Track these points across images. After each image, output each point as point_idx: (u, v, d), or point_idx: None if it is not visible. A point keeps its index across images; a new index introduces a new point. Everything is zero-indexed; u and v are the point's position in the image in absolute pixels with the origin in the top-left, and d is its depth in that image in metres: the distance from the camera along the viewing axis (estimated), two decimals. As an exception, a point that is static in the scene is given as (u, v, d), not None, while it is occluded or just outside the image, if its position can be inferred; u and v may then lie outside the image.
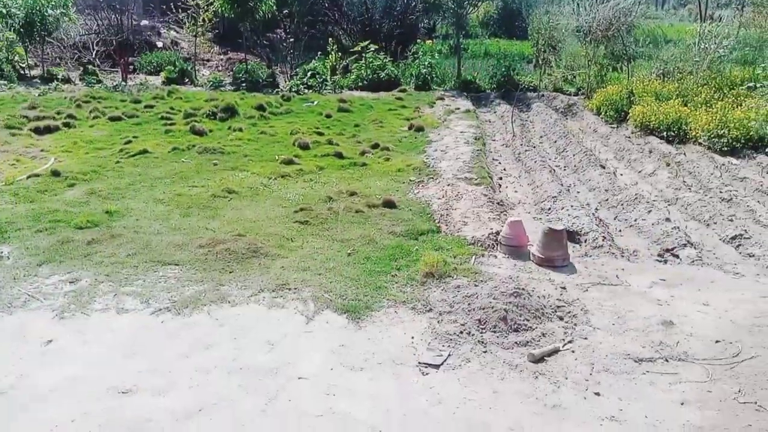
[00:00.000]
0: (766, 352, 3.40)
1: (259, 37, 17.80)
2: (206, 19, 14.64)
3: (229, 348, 3.51)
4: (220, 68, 17.28)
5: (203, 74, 15.89)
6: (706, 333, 3.64)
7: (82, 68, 14.78)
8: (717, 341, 3.55)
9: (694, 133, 8.75)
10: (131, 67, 15.35)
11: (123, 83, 13.42)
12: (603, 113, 10.81)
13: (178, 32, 19.19)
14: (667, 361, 3.37)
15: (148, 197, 6.12)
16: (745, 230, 5.41)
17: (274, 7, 14.77)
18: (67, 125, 9.34)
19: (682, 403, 3.01)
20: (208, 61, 18.10)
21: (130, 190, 6.37)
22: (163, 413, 2.94)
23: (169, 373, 3.25)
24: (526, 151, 8.52)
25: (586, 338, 3.61)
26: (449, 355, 3.47)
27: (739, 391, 3.08)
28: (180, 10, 15.01)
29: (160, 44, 18.16)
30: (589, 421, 2.90)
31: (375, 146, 8.50)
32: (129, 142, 8.31)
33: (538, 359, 3.39)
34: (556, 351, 3.48)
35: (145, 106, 10.98)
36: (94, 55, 15.36)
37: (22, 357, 3.38)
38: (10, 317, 3.78)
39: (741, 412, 2.92)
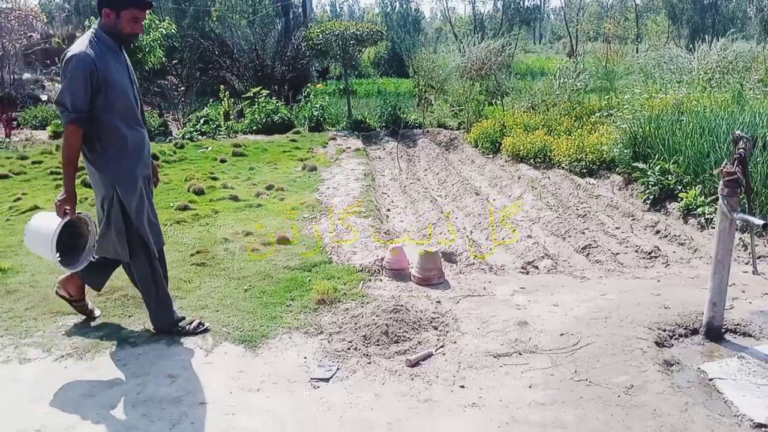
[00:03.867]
0: (598, 339, 4.09)
1: (150, 86, 17.81)
2: (93, 71, 14.57)
3: (132, 384, 3.77)
4: (110, 119, 17.09)
5: (93, 126, 15.68)
6: (553, 328, 4.30)
7: (-41, 126, 14.22)
8: (561, 334, 4.21)
9: (557, 159, 9.82)
10: (15, 122, 14.93)
11: (6, 140, 13.06)
12: (480, 145, 11.82)
13: (63, 84, 18.79)
14: (520, 354, 3.98)
15: (42, 252, 6.18)
16: (595, 240, 6.27)
17: (164, 58, 14.94)
18: (-53, 186, 9.08)
19: (530, 387, 3.60)
20: (97, 112, 17.83)
21: (23, 246, 6.36)
22: (72, 447, 3.17)
23: (75, 412, 3.46)
24: (411, 183, 9.23)
25: (455, 342, 4.17)
26: (338, 369, 3.90)
27: (575, 372, 3.72)
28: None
29: (44, 97, 17.74)
30: (454, 409, 3.42)
31: (270, 187, 8.91)
32: (18, 199, 8.23)
33: (414, 364, 3.90)
34: (429, 355, 4.01)
35: (33, 162, 10.79)
36: (-28, 112, 14.82)
37: None
38: None
39: (575, 388, 3.55)
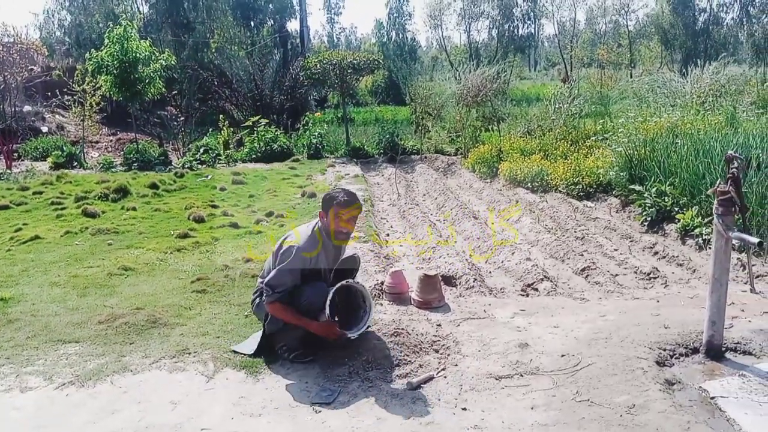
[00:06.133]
0: (599, 359, 4.09)
1: (149, 116, 18.00)
2: (93, 103, 14.73)
3: (134, 411, 3.76)
4: (109, 149, 17.24)
5: (92, 156, 15.81)
6: (554, 350, 4.31)
7: (-40, 159, 14.32)
8: (562, 355, 4.21)
9: (554, 183, 9.90)
10: (15, 154, 15.04)
11: (8, 171, 13.15)
12: (477, 170, 11.93)
13: (63, 116, 19.01)
14: (522, 376, 3.98)
15: (44, 281, 6.20)
16: (593, 262, 6.29)
17: (163, 89, 15.11)
18: (-52, 218, 9.12)
19: (532, 408, 3.59)
20: (96, 143, 18.00)
21: (24, 276, 6.42)
22: (73, 475, 3.15)
23: (76, 440, 3.46)
24: (410, 209, 9.29)
25: (456, 365, 4.17)
26: (339, 393, 3.90)
27: (577, 392, 3.72)
28: (65, 94, 15.03)
29: (45, 129, 17.90)
30: (456, 431, 3.41)
31: (269, 214, 8.96)
32: (19, 229, 8.27)
33: (416, 387, 3.89)
34: (431, 378, 4.01)
35: (34, 193, 10.86)
36: (-27, 145, 14.93)
37: (-77, 443, 3.47)
38: None
39: (577, 409, 3.55)
